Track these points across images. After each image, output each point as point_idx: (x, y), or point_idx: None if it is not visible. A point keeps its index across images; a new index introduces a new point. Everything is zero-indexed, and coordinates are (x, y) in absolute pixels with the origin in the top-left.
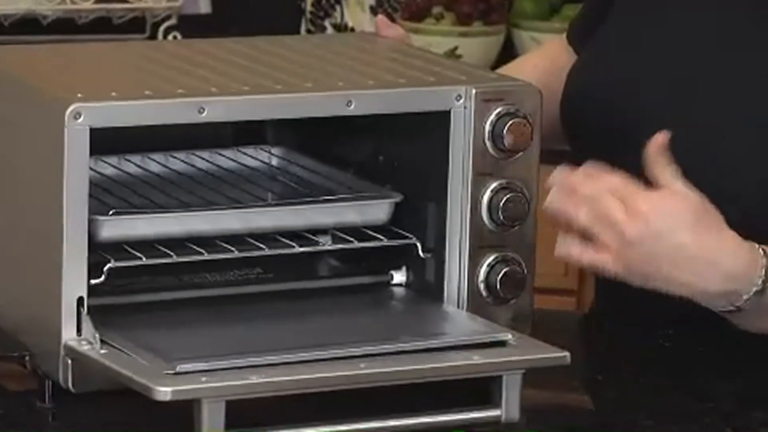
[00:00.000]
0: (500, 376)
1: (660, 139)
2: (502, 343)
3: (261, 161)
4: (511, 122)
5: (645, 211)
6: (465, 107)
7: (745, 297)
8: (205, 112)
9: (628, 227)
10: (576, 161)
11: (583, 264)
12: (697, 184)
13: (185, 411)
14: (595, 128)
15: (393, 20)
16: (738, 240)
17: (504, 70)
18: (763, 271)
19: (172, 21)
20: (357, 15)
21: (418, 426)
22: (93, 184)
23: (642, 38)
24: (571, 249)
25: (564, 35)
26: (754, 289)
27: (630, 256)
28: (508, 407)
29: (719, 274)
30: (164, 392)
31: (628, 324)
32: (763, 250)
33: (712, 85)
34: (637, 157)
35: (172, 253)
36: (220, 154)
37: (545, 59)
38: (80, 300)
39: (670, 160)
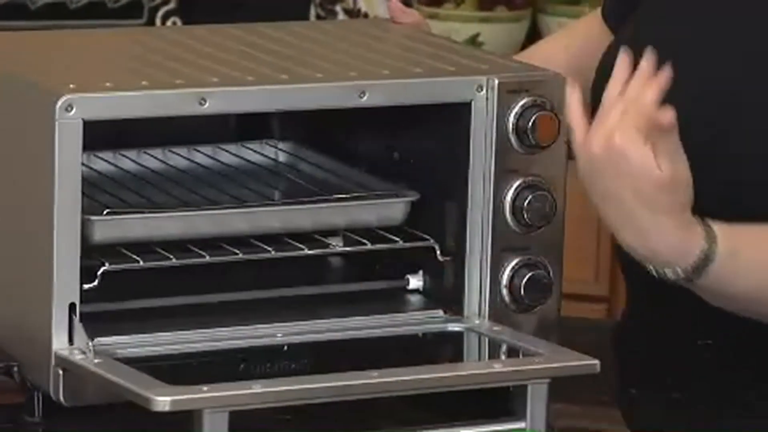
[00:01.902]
0: (525, 386)
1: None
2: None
3: (267, 157)
4: (537, 115)
5: (619, 146)
6: (487, 99)
7: (680, 270)
8: (207, 104)
9: (593, 143)
10: None
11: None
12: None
13: (187, 425)
14: None
15: (409, 5)
16: (677, 223)
17: (530, 51)
18: (699, 251)
19: (172, 5)
20: (371, 0)
21: None
22: (86, 182)
23: (686, 25)
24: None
25: (598, 12)
26: (690, 264)
27: (587, 165)
28: (533, 420)
29: (650, 246)
30: (163, 402)
31: (662, 333)
32: (706, 230)
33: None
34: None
35: (171, 256)
36: (222, 150)
37: (577, 39)
38: (72, 306)
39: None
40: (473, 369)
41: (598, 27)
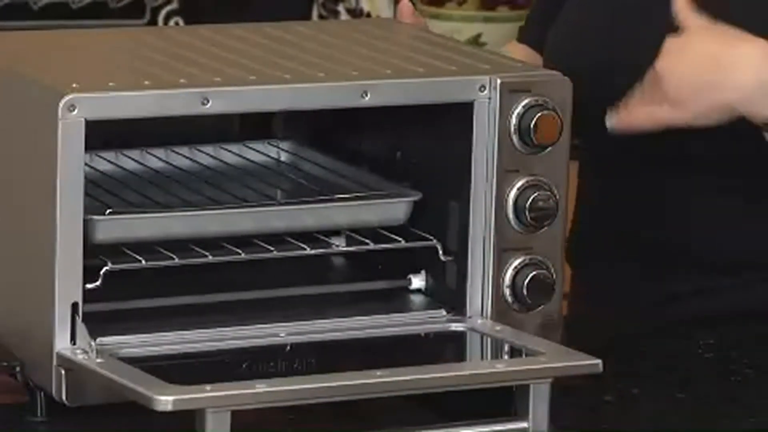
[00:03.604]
0: (527, 386)
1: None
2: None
3: (269, 157)
4: (539, 115)
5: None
6: (489, 98)
7: None
8: (209, 104)
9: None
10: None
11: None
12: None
13: (189, 424)
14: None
15: (412, 5)
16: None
17: None
18: None
19: (174, 5)
20: (374, 0)
21: None
22: (89, 182)
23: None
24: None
25: (515, 42)
26: None
27: (670, 91)
28: (535, 419)
29: (747, 65)
30: (165, 402)
31: (663, 333)
32: None
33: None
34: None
35: (174, 256)
36: (225, 149)
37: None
38: (74, 306)
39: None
40: (475, 369)
41: (527, 50)
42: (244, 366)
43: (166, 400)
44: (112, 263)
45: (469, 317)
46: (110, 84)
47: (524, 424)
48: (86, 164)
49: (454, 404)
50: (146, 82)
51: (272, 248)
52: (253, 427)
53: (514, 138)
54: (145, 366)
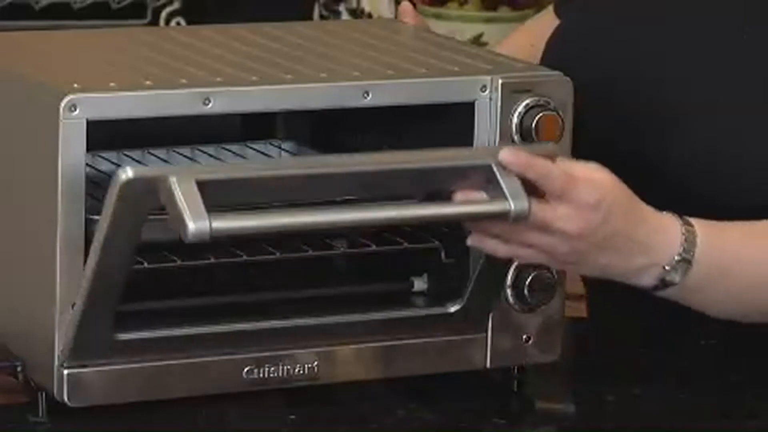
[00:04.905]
0: (491, 168)
1: None
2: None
3: (270, 157)
4: (540, 115)
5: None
6: (490, 98)
7: (667, 268)
8: (211, 104)
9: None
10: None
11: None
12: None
13: (190, 424)
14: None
15: (413, 4)
16: (650, 211)
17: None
18: (683, 239)
19: (175, 6)
20: (375, 0)
21: (426, 217)
22: (90, 182)
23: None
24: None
25: (550, 9)
26: (676, 258)
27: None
28: (513, 195)
29: (635, 248)
30: (125, 174)
31: (665, 333)
32: (682, 219)
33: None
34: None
35: (175, 258)
36: (226, 150)
37: (541, 39)
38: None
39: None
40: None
41: (553, 23)
42: (246, 369)
43: (126, 173)
44: None
45: None
46: (111, 84)
47: (505, 205)
48: (87, 164)
49: (454, 404)
50: (147, 82)
51: (274, 250)
52: (252, 427)
53: (516, 138)
54: (146, 359)
